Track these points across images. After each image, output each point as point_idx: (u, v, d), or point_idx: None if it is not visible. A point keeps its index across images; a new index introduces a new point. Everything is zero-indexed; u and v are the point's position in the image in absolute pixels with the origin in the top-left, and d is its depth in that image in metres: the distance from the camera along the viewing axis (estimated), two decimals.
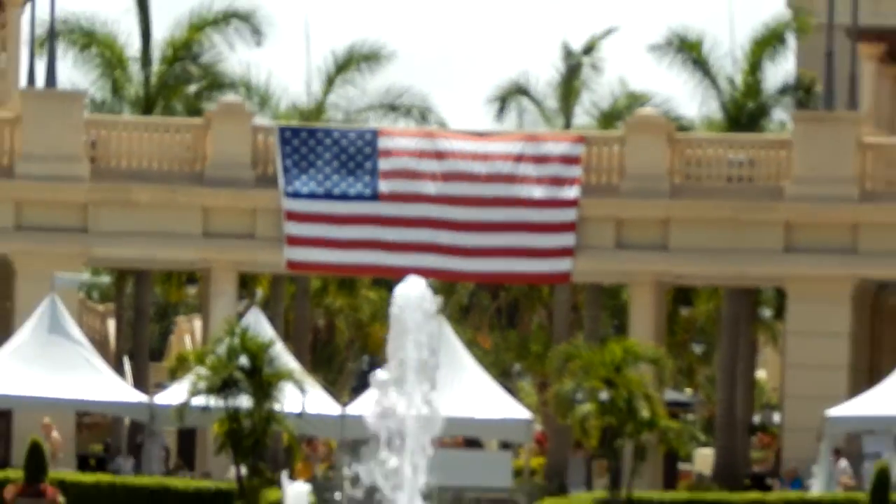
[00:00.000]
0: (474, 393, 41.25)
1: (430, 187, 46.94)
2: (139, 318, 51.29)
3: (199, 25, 55.42)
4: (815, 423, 44.52)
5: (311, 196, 46.28)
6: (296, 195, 46.15)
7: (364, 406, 36.05)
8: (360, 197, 46.42)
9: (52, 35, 51.37)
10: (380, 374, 20.40)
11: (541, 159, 47.52)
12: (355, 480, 21.99)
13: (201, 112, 52.89)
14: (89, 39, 54.01)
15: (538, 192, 46.46)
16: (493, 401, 42.55)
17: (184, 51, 55.09)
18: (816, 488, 42.54)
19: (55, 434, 42.81)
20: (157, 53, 55.05)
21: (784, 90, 54.40)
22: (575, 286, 49.47)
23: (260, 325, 42.25)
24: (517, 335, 48.75)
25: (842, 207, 46.48)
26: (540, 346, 49.05)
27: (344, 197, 46.47)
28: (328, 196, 46.41)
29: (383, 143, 47.91)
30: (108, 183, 47.46)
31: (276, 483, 32.53)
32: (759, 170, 48.51)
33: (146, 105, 53.00)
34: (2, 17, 52.48)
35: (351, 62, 54.92)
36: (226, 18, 55.72)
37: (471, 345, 46.42)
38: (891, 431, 43.29)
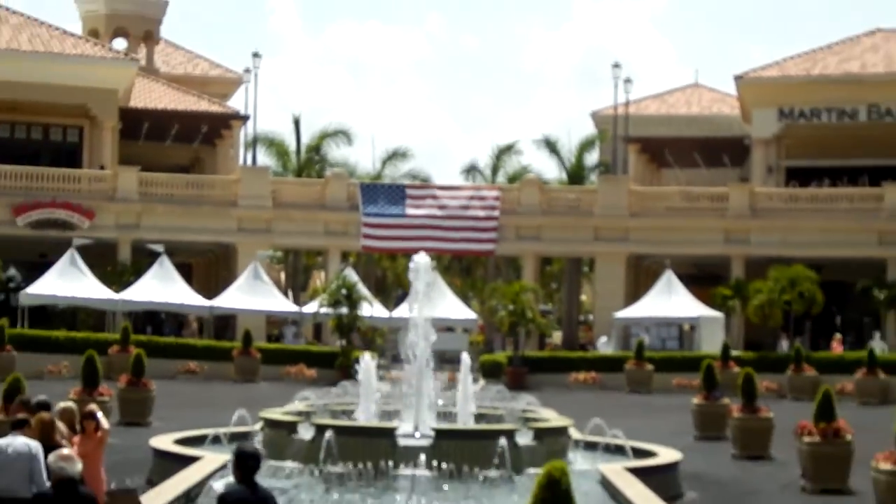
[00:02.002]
0: (450, 307, 42.43)
1: (429, 210, 47.53)
2: (295, 272, 52.06)
3: (323, 136, 55.45)
4: (609, 319, 45.49)
5: (375, 215, 46.80)
6: (368, 214, 46.77)
7: (400, 312, 38.82)
8: (397, 215, 47.10)
9: (255, 140, 51.73)
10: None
11: (481, 199, 48.15)
12: (396, 345, 23.25)
13: (323, 176, 52.53)
14: (272, 143, 54.07)
15: (480, 213, 47.18)
16: (458, 310, 43.94)
17: (315, 148, 55.31)
18: (609, 349, 43.78)
19: (194, 325, 45.23)
20: (303, 149, 55.12)
21: (594, 166, 54.48)
22: (497, 257, 49.48)
23: (351, 275, 42.76)
24: (471, 280, 48.41)
25: (620, 220, 46.68)
26: (482, 284, 48.84)
27: (390, 215, 47.04)
28: (382, 215, 46.87)
29: (408, 191, 48.52)
30: (280, 209, 47.50)
31: (359, 348, 34.19)
32: (580, 203, 48.40)
33: (298, 173, 53.47)
34: (231, 132, 53.25)
35: (393, 157, 55.27)
36: (335, 133, 55.56)
37: (449, 284, 47.16)
38: (643, 324, 43.84)
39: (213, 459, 15.78)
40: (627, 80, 51.13)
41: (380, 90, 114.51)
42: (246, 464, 7.74)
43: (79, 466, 8.17)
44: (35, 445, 9.95)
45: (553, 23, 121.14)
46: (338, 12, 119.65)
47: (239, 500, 7.58)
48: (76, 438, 11.02)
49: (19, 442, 9.71)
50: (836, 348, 41.34)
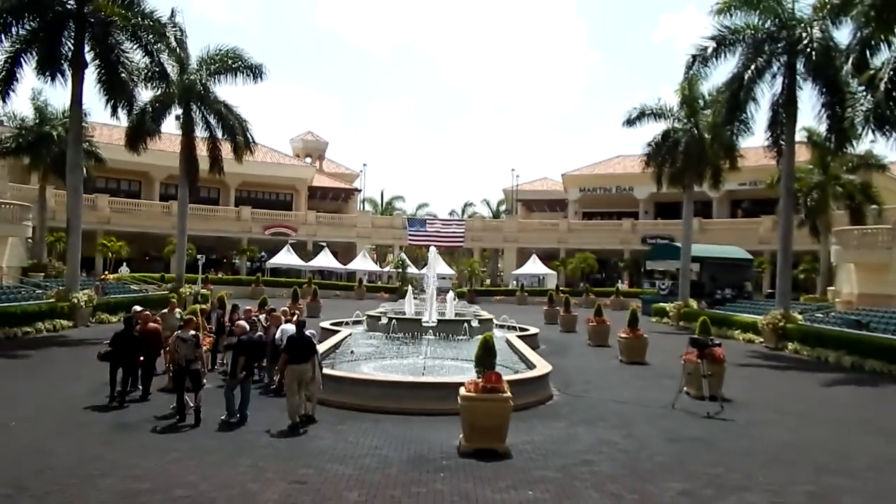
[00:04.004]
0: (443, 268, 39.61)
1: (435, 228, 45.40)
2: (379, 254, 48.57)
3: (392, 199, 54.43)
4: (510, 274, 44.23)
5: (413, 230, 44.86)
6: (410, 230, 44.88)
7: (423, 271, 35.80)
8: (422, 230, 44.93)
9: (363, 202, 51.06)
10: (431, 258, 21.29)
11: (457, 224, 46.16)
12: (423, 283, 23.14)
13: (392, 214, 51.08)
14: (371, 201, 52.71)
15: (456, 230, 45.22)
16: (446, 270, 41.17)
17: (389, 203, 54.08)
18: (514, 285, 42.07)
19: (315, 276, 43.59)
20: (380, 203, 54.36)
21: (504, 211, 52.70)
22: (463, 249, 46.38)
23: (403, 256, 41.56)
24: (455, 260, 47.63)
25: (514, 233, 45.12)
26: (457, 259, 46.65)
27: (419, 230, 44.95)
28: (416, 229, 44.92)
29: (427, 220, 46.78)
30: (374, 228, 46.03)
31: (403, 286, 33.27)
32: (498, 227, 46.64)
33: (381, 213, 51.52)
34: (354, 196, 51.82)
35: (420, 206, 54.15)
36: (397, 197, 54.55)
37: (443, 259, 45.32)
38: (523, 276, 42.97)
39: (344, 332, 15.70)
40: (517, 176, 50.56)
41: (415, 171, 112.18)
42: (299, 324, 8.45)
43: (291, 328, 8.82)
44: (293, 327, 10.19)
45: (482, 142, 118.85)
46: (409, 134, 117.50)
47: (294, 337, 8.08)
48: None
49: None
50: (625, 286, 39.80)
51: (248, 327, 8.90)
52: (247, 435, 7.42)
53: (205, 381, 9.66)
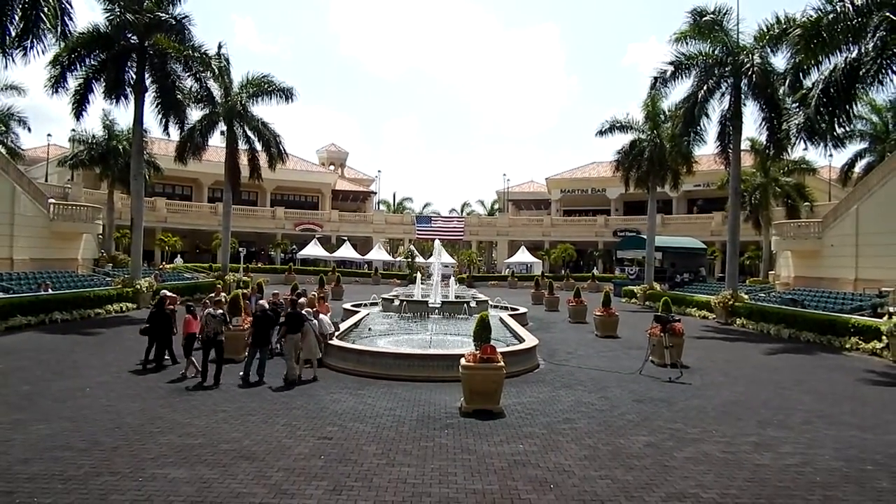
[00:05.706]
0: (446, 258, 38.17)
1: (440, 224, 44.54)
2: (392, 246, 47.59)
3: (403, 199, 53.16)
4: (503, 263, 43.24)
5: (421, 226, 44.07)
6: (418, 226, 44.12)
7: (430, 261, 34.87)
8: (428, 226, 44.02)
9: (378, 202, 50.20)
10: (436, 249, 21.09)
11: (458, 220, 45.38)
12: (429, 271, 22.89)
13: (403, 213, 50.09)
14: (385, 202, 51.64)
15: (457, 225, 44.36)
16: (449, 259, 40.01)
17: (400, 203, 52.91)
18: (506, 272, 41.50)
19: (333, 264, 42.95)
20: (392, 203, 53.10)
21: (497, 209, 51.47)
22: (463, 242, 45.48)
23: (412, 248, 41.15)
24: (456, 251, 47.10)
25: (505, 228, 44.67)
26: (459, 252, 46.91)
27: (425, 226, 44.08)
28: (423, 225, 44.08)
29: (432, 217, 45.73)
30: (387, 224, 45.33)
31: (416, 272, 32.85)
32: (492, 223, 45.88)
33: (394, 212, 50.48)
34: (371, 198, 50.85)
35: (426, 205, 52.86)
36: (407, 198, 53.45)
37: (446, 251, 44.24)
38: (514, 265, 41.62)
39: (362, 312, 15.41)
40: (508, 179, 50.88)
41: (422, 175, 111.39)
42: (294, 302, 8.57)
43: (308, 311, 8.84)
44: (310, 311, 9.98)
45: (478, 151, 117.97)
46: (418, 148, 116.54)
47: (289, 313, 8.37)
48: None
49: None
50: (600, 272, 39.17)
51: (266, 306, 9.06)
52: (283, 398, 7.41)
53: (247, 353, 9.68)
